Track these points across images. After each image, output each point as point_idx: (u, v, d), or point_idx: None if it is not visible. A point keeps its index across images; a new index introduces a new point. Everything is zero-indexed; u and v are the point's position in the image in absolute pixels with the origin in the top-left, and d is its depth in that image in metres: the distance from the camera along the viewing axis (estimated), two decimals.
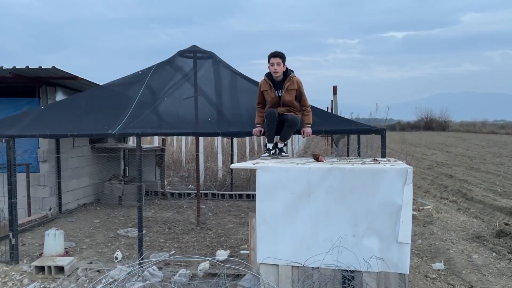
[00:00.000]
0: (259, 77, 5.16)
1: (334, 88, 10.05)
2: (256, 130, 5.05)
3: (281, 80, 4.82)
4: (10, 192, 5.53)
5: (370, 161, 4.24)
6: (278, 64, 4.73)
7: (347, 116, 9.54)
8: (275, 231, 3.75)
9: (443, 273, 5.39)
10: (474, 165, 16.52)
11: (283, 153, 4.86)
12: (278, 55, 4.74)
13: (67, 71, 7.32)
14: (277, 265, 3.75)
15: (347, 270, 3.59)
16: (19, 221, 6.80)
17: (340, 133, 6.01)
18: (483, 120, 65.26)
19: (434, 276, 5.27)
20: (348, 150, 8.48)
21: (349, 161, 4.29)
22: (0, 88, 8.00)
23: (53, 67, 6.97)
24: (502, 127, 54.88)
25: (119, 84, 6.94)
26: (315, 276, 3.63)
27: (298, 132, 5.04)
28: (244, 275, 4.85)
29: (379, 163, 4.00)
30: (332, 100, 11.63)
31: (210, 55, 7.16)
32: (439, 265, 5.60)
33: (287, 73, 4.81)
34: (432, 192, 11.36)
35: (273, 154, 4.87)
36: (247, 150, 15.44)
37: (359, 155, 6.30)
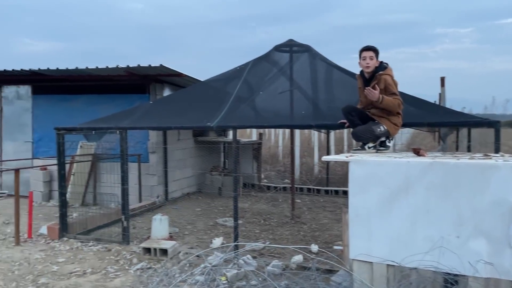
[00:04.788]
0: (358, 71, 4.88)
1: (442, 79, 9.28)
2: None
3: (369, 77, 4.45)
4: (122, 179, 6.07)
5: (480, 156, 3.84)
6: (371, 58, 4.34)
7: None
8: (368, 227, 3.59)
9: None
10: None
11: (382, 148, 4.57)
12: (370, 49, 4.37)
13: (172, 68, 7.83)
14: (371, 262, 3.59)
15: (449, 273, 3.30)
16: (132, 207, 7.48)
17: (446, 125, 5.53)
18: None
19: None
20: (457, 147, 7.77)
21: (455, 156, 3.93)
22: (116, 86, 8.90)
23: (161, 65, 7.51)
24: None
25: (219, 80, 7.22)
26: (413, 277, 3.40)
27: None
28: (337, 270, 4.74)
29: (490, 158, 3.60)
30: (440, 93, 10.78)
31: (306, 49, 7.10)
32: None
33: (379, 68, 4.38)
34: None
35: (369, 147, 4.57)
36: (345, 146, 15.06)
37: (469, 150, 5.75)
